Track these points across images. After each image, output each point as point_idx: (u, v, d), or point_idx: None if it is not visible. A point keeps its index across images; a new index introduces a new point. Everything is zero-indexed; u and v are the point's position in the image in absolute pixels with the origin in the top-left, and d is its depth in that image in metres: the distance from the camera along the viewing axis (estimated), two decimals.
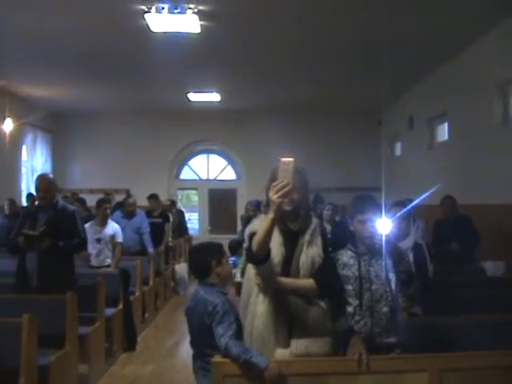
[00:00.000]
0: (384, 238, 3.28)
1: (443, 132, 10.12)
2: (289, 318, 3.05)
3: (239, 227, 10.03)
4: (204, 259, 3.30)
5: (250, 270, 3.13)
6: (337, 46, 8.71)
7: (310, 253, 3.08)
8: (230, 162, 15.12)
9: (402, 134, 12.25)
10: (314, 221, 3.19)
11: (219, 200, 15.00)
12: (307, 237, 3.09)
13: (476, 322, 3.89)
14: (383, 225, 3.31)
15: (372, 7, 6.85)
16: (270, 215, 2.80)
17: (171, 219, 10.58)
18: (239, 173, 14.98)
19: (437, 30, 7.61)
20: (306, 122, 13.80)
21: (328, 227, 6.74)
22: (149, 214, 9.25)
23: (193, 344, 3.30)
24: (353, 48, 8.73)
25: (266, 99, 12.56)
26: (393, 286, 3.23)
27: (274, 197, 2.73)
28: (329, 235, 3.74)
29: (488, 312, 4.20)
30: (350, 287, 3.23)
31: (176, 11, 6.82)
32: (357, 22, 7.49)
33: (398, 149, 13.11)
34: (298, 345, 3.05)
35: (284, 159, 2.76)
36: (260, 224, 2.93)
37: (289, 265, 3.07)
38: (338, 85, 11.22)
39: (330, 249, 3.31)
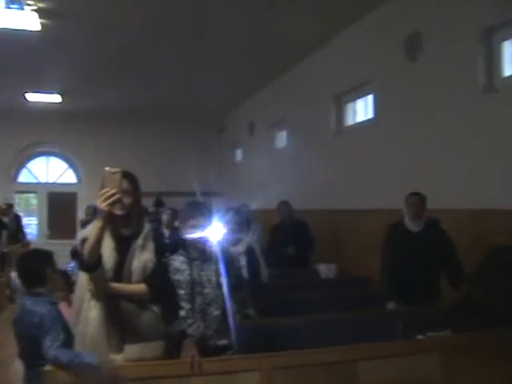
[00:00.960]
0: (216, 243, 3.36)
1: (282, 138, 10.46)
2: (121, 324, 3.03)
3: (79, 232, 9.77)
4: (39, 266, 3.20)
5: (82, 275, 3.07)
6: (178, 57, 8.81)
7: (142, 258, 3.08)
8: (71, 164, 14.64)
9: (244, 140, 12.50)
10: (147, 226, 3.20)
11: (59, 204, 14.43)
12: (139, 242, 3.09)
13: (308, 322, 4.11)
14: (215, 230, 3.38)
15: (205, 12, 6.93)
16: (99, 223, 2.81)
17: (7, 224, 10.12)
18: (80, 176, 14.53)
19: (277, 40, 7.86)
20: (146, 126, 13.75)
21: (166, 232, 6.77)
22: None
23: (22, 356, 3.18)
24: (187, 59, 8.86)
25: (108, 102, 12.28)
26: (224, 289, 3.31)
27: (101, 205, 2.75)
28: (167, 240, 3.76)
29: (321, 312, 4.41)
30: (182, 291, 3.27)
31: (13, 7, 6.52)
32: (190, 29, 7.53)
33: (239, 155, 13.36)
34: (131, 350, 3.03)
35: (109, 169, 2.79)
36: (91, 230, 2.91)
37: (121, 270, 3.05)
38: (179, 91, 11.20)
39: (168, 253, 3.34)
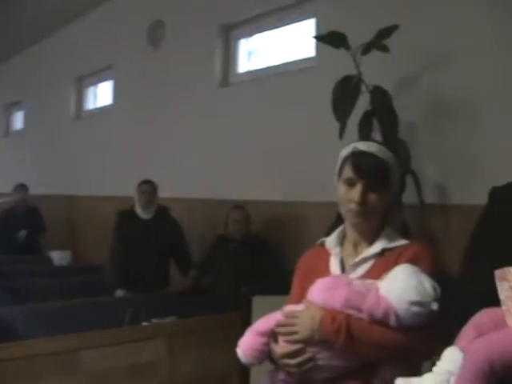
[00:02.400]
0: None
1: (19, 120, 9.93)
2: None
3: None
4: None
5: None
6: None
7: None
8: None
9: None
10: None
11: None
12: None
13: (36, 310, 3.95)
14: None
15: None
16: None
17: None
18: None
19: (17, 17, 7.42)
20: None
21: None
22: None
23: None
24: None
25: None
26: None
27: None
28: None
29: (52, 300, 4.31)
30: None
31: None
32: None
33: None
34: None
35: None
36: None
37: None
38: None
39: None
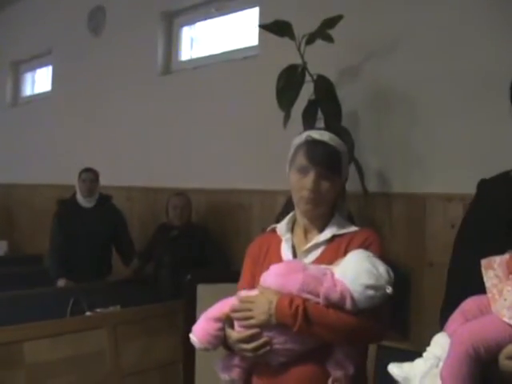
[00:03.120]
0: None
1: None
2: None
3: None
4: None
5: None
6: None
7: None
8: None
9: None
10: None
11: None
12: None
13: None
14: None
15: None
16: None
17: None
18: None
19: None
20: None
21: None
22: None
23: None
24: None
25: None
26: None
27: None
28: None
29: None
30: None
31: None
32: None
33: None
34: None
35: None
36: None
37: None
38: None
39: None
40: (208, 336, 1.86)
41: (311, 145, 1.93)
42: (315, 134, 1.95)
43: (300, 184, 1.92)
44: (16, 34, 7.32)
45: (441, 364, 1.38)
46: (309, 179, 1.90)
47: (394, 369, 1.47)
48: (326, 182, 1.91)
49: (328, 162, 1.91)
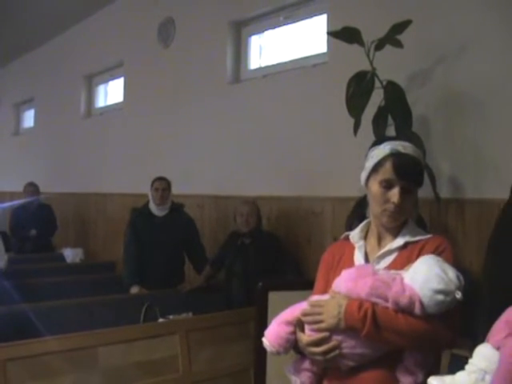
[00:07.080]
0: None
1: (30, 118, 9.93)
2: None
3: None
4: None
5: None
6: None
7: None
8: None
9: None
10: None
11: None
12: None
13: (52, 308, 3.97)
14: None
15: None
16: None
17: None
18: None
19: (28, 16, 7.43)
20: None
21: None
22: None
23: None
24: None
25: None
26: None
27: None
28: None
29: (67, 297, 4.31)
30: None
31: None
32: None
33: None
34: None
35: None
36: None
37: None
38: None
39: None
40: (279, 339, 1.88)
41: (398, 158, 1.92)
42: (399, 147, 1.94)
43: (385, 197, 1.92)
44: (89, 48, 7.56)
45: (487, 377, 1.31)
46: (394, 193, 1.90)
47: (434, 382, 1.42)
48: (409, 195, 1.93)
49: (414, 176, 1.93)
